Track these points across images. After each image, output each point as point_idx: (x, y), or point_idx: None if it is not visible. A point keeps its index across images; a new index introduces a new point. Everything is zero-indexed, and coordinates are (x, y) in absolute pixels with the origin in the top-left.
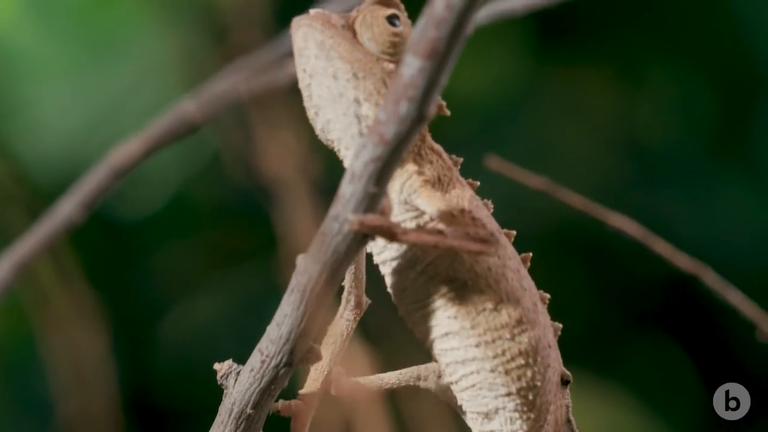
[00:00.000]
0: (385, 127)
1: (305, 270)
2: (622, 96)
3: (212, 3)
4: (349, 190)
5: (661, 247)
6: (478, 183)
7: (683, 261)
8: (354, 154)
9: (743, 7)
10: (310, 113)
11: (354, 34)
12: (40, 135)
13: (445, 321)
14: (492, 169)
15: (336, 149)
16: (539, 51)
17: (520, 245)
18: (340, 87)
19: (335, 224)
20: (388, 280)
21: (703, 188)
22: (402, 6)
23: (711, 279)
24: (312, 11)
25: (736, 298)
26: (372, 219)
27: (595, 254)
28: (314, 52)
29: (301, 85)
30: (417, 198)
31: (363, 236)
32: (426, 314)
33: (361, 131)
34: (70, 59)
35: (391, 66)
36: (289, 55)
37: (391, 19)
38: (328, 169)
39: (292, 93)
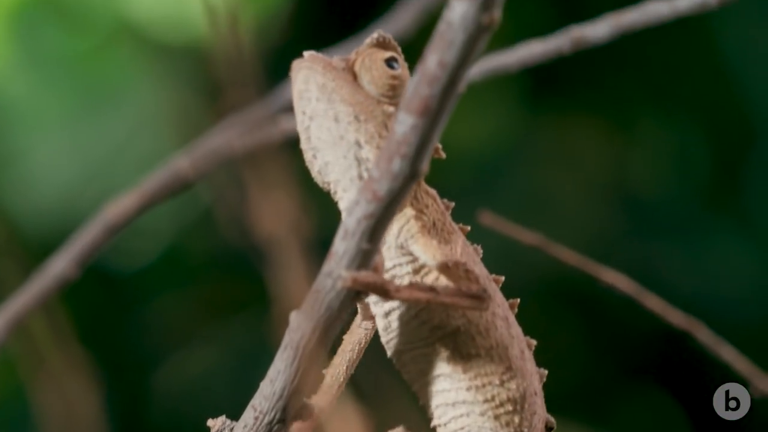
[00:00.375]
0: (378, 184)
1: (298, 327)
2: (616, 146)
3: (205, 56)
4: (342, 246)
5: (654, 303)
6: (469, 228)
7: (676, 317)
8: (347, 210)
9: (736, 59)
10: (308, 155)
11: (354, 76)
12: (33, 186)
13: (437, 364)
14: (485, 225)
15: (333, 191)
16: (532, 101)
17: (513, 296)
18: (341, 130)
19: (328, 281)
20: (380, 322)
21: (696, 240)
22: (399, 49)
23: (704, 335)
24: (308, 53)
25: (729, 354)
26: (365, 276)
27: (589, 306)
28: (315, 95)
29: (300, 128)
30: (413, 244)
31: (356, 293)
32: (417, 356)
33: (360, 174)
34: (64, 110)
35: (391, 109)
36: (282, 111)
37: (390, 62)
38: (320, 226)
39: (285, 149)
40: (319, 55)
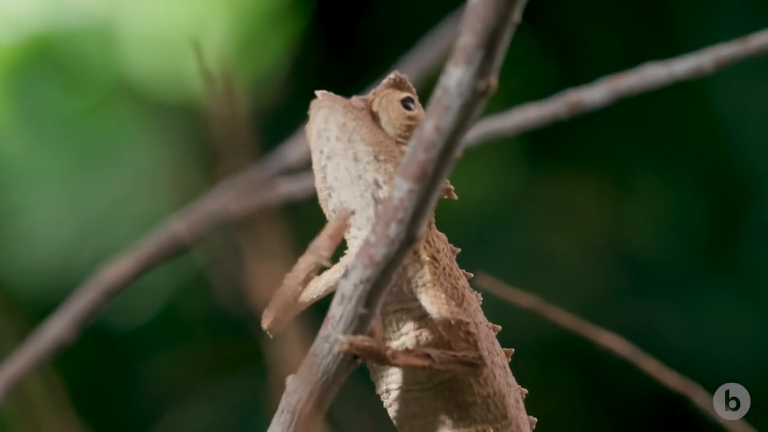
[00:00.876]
0: (374, 249)
1: (295, 390)
2: (613, 205)
3: (202, 115)
4: (339, 311)
5: (650, 365)
6: (472, 275)
7: (672, 379)
8: (343, 275)
9: (731, 119)
10: (323, 194)
11: (373, 116)
12: (30, 244)
13: (431, 409)
14: (482, 288)
15: (346, 231)
16: (529, 159)
17: (514, 353)
18: (360, 169)
19: (325, 345)
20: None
21: (693, 299)
22: (413, 89)
23: (700, 398)
24: (323, 93)
25: (726, 415)
26: (362, 340)
27: (586, 366)
28: (335, 134)
29: (316, 167)
30: (423, 293)
31: (353, 357)
32: (410, 399)
33: (377, 213)
34: (61, 168)
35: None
36: (280, 173)
37: (406, 102)
38: None
39: (283, 214)
40: (337, 95)
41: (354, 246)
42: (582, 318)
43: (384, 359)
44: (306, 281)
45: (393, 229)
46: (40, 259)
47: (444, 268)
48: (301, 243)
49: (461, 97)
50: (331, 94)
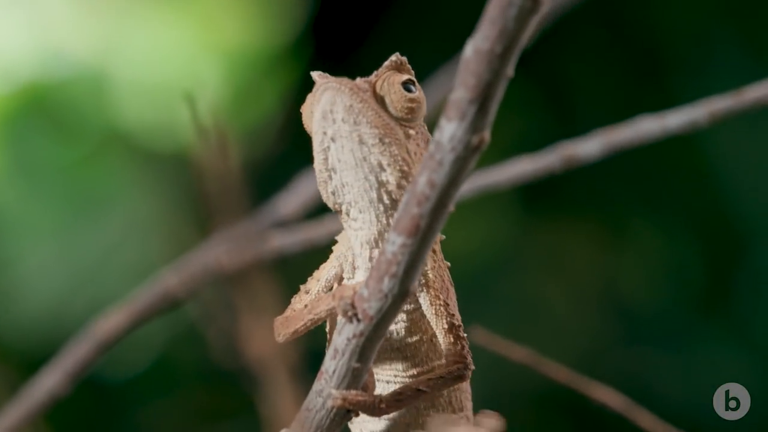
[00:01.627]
0: (367, 304)
1: None
2: (607, 255)
3: (194, 167)
4: (332, 365)
5: (645, 419)
6: (449, 264)
7: None
8: (337, 330)
9: (725, 168)
10: (322, 176)
11: (376, 98)
12: (22, 294)
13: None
14: (477, 343)
15: (344, 212)
16: (524, 208)
17: (505, 406)
18: (365, 151)
19: (319, 399)
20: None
21: (688, 349)
22: (412, 71)
23: None
24: (318, 74)
25: None
26: (355, 395)
27: (581, 418)
28: (341, 116)
29: (317, 148)
30: (423, 291)
31: (346, 411)
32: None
33: (380, 197)
34: (54, 218)
35: (411, 132)
36: (273, 226)
37: (407, 85)
38: (310, 342)
39: (275, 267)
40: (343, 77)
41: (352, 230)
42: (576, 367)
43: (378, 412)
44: (321, 321)
45: (386, 284)
46: (33, 309)
47: (439, 265)
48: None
49: (454, 151)
50: (329, 75)
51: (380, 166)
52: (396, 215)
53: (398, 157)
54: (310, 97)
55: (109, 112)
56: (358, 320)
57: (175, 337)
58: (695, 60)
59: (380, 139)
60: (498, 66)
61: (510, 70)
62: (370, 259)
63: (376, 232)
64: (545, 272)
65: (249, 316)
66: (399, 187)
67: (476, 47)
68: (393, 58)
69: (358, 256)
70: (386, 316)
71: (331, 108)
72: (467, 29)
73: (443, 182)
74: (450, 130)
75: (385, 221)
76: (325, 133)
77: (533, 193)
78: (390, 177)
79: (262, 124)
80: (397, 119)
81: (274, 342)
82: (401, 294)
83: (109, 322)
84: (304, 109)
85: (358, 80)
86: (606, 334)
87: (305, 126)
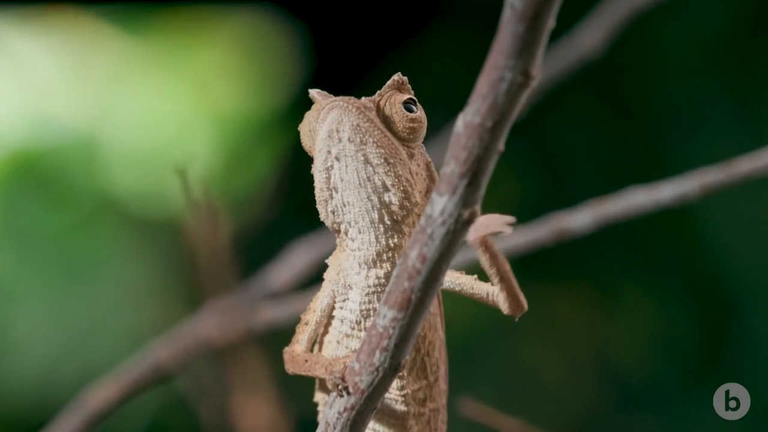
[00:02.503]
0: (359, 377)
1: None
2: (600, 321)
3: (185, 237)
4: None
5: None
6: None
7: None
8: (328, 403)
9: (716, 235)
10: (323, 195)
11: (381, 118)
12: (12, 361)
13: None
14: (467, 415)
15: (343, 232)
16: (517, 275)
17: None
18: (369, 171)
19: None
20: None
21: (680, 414)
22: (412, 91)
23: None
24: (317, 92)
25: None
26: None
27: None
28: (348, 135)
29: (319, 167)
30: None
31: None
32: None
33: (381, 217)
34: (45, 285)
35: (413, 151)
36: (264, 297)
37: (408, 105)
38: (301, 419)
39: (266, 340)
40: (351, 96)
41: (349, 249)
42: None
43: None
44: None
45: (377, 357)
46: (23, 375)
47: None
48: (282, 373)
49: (445, 225)
50: (329, 94)
51: (384, 186)
52: (387, 289)
53: (402, 177)
54: (308, 116)
55: (100, 179)
56: (349, 393)
57: (166, 408)
58: (687, 127)
59: (385, 159)
60: (489, 140)
61: (501, 145)
62: (366, 278)
63: (374, 253)
64: (538, 339)
65: (240, 390)
66: (401, 207)
67: (467, 121)
68: (395, 77)
69: (353, 276)
70: (377, 389)
71: (337, 127)
72: (461, 94)
73: (434, 256)
74: (441, 203)
75: (384, 242)
76: (329, 152)
77: (526, 260)
78: (393, 197)
79: (254, 189)
80: (399, 139)
81: (266, 416)
82: (392, 368)
83: (100, 394)
84: (302, 128)
85: (363, 99)
86: (599, 400)
87: (303, 145)
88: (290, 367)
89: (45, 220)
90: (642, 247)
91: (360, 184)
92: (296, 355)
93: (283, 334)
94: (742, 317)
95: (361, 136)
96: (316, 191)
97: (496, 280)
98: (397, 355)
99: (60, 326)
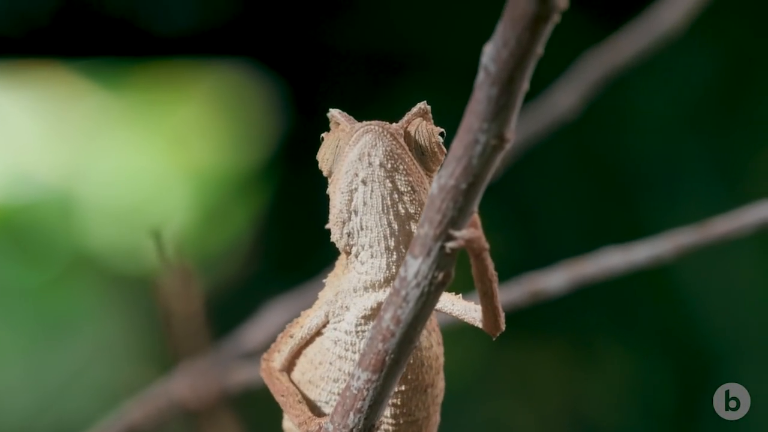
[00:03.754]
0: None
1: None
2: (576, 377)
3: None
4: None
5: None
6: None
7: None
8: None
9: (692, 293)
10: (342, 216)
11: (409, 145)
12: None
13: None
14: None
15: (353, 254)
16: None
17: None
18: (395, 198)
19: None
20: None
21: None
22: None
23: None
24: (338, 112)
25: None
26: None
27: None
28: (380, 160)
29: (343, 188)
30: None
31: None
32: None
33: (397, 245)
34: (20, 340)
35: (432, 181)
36: (239, 357)
37: (441, 136)
38: None
39: (240, 401)
40: (384, 122)
41: (356, 272)
42: None
43: None
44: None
45: (351, 419)
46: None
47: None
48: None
49: (419, 287)
50: (350, 116)
51: (408, 215)
52: (361, 350)
53: (423, 205)
54: (329, 136)
55: (76, 235)
56: None
57: None
58: (662, 187)
59: (412, 188)
60: (463, 203)
61: (475, 207)
62: (366, 300)
63: (382, 278)
64: (513, 395)
65: None
66: None
67: (441, 184)
68: (420, 105)
69: (354, 297)
70: None
71: (370, 151)
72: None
73: (408, 318)
74: (415, 266)
75: (394, 270)
76: (356, 175)
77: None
78: (413, 227)
79: (230, 246)
80: (425, 168)
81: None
82: (366, 429)
83: None
84: (324, 148)
85: (394, 125)
86: None
87: (320, 165)
88: (265, 379)
89: (20, 275)
90: (618, 306)
91: (383, 210)
92: (275, 378)
93: (258, 395)
94: (718, 375)
95: (393, 162)
96: (334, 211)
97: (480, 293)
98: (371, 416)
99: (35, 382)
